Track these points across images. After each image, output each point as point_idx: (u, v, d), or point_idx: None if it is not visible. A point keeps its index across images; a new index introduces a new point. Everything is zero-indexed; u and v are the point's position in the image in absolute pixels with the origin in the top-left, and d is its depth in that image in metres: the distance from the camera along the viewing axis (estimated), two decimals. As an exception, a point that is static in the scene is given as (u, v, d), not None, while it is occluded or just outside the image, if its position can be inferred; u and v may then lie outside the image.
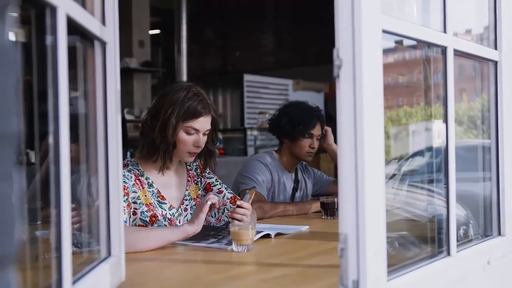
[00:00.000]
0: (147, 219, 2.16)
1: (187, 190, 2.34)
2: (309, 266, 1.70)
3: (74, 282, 1.09)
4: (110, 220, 1.37)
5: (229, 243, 1.91)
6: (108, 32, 1.36)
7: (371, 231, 1.16)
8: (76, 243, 1.28)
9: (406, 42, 1.54)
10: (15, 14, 0.58)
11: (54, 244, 1.05)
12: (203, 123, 2.20)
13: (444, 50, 1.51)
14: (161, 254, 1.86)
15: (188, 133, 2.18)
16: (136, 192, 2.13)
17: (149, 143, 2.19)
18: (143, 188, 2.18)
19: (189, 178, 2.36)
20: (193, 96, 2.17)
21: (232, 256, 1.83)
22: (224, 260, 1.78)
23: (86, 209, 1.47)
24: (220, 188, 2.38)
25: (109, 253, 1.37)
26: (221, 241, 1.99)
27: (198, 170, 2.41)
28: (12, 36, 0.56)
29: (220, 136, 7.58)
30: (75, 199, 1.15)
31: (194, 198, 2.35)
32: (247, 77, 7.94)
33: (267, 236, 2.11)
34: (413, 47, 1.69)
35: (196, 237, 2.03)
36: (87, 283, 1.16)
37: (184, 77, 8.63)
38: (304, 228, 2.34)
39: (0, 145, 0.53)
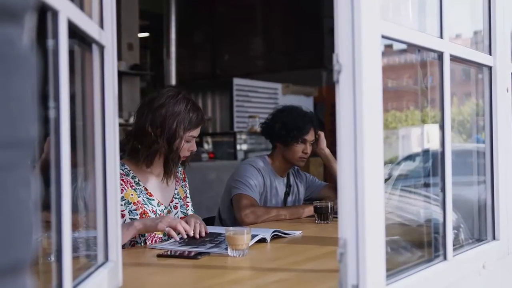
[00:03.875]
0: (137, 217, 2.21)
1: (176, 189, 2.42)
2: (306, 271, 1.70)
3: (74, 287, 1.08)
4: (108, 225, 1.36)
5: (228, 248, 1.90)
6: (106, 36, 1.36)
7: (371, 235, 1.17)
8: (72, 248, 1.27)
9: (396, 47, 1.54)
10: (34, 19, 0.58)
11: (52, 249, 1.04)
12: (199, 130, 2.35)
13: (440, 55, 1.52)
14: (157, 259, 1.85)
15: (187, 141, 2.30)
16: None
17: (153, 152, 2.26)
18: (128, 188, 2.23)
19: (177, 179, 2.45)
20: (193, 107, 2.31)
21: (227, 261, 1.82)
22: (220, 265, 1.78)
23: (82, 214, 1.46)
24: (189, 202, 2.50)
25: (106, 258, 1.36)
26: (220, 246, 1.99)
27: (182, 176, 2.52)
28: (30, 41, 0.55)
29: (210, 140, 7.57)
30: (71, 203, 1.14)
31: (183, 198, 2.45)
32: (236, 81, 7.93)
33: (263, 240, 2.11)
34: (403, 51, 1.69)
35: (194, 243, 2.03)
36: (85, 288, 1.15)
37: (173, 81, 8.61)
38: (298, 233, 2.34)
39: (19, 151, 0.53)
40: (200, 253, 1.87)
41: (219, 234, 2.17)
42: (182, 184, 2.49)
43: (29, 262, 0.55)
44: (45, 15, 1.00)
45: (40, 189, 1.05)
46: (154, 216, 2.24)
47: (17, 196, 0.53)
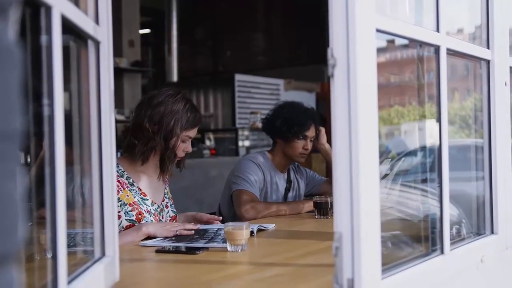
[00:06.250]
0: (133, 217, 2.23)
1: (166, 189, 2.47)
2: (304, 266, 1.70)
3: (69, 282, 1.09)
4: (104, 220, 1.37)
5: (225, 241, 1.91)
6: (102, 31, 1.36)
7: (366, 229, 1.17)
8: (69, 244, 1.28)
9: (398, 42, 1.54)
10: (18, 13, 0.58)
11: (48, 245, 1.04)
12: (196, 131, 2.38)
13: (437, 49, 1.51)
14: (155, 254, 1.86)
15: (183, 141, 2.32)
16: None
17: (150, 149, 2.28)
18: (124, 188, 2.25)
19: (166, 180, 2.49)
20: (191, 107, 2.33)
21: (226, 256, 1.82)
22: (218, 260, 1.78)
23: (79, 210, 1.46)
24: (170, 202, 2.51)
25: (103, 253, 1.36)
26: (215, 240, 1.99)
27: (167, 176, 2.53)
28: (14, 35, 0.56)
29: (211, 136, 7.57)
30: (67, 200, 1.15)
31: (170, 198, 2.49)
32: (238, 77, 7.92)
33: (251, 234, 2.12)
34: (405, 46, 1.69)
35: (183, 239, 2.02)
36: (81, 283, 1.15)
37: (175, 78, 8.62)
38: (271, 227, 2.35)
39: (4, 144, 0.53)
40: (198, 248, 1.87)
41: (207, 230, 2.20)
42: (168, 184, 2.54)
43: (15, 255, 0.55)
44: (39, 10, 1.00)
45: (40, 186, 1.06)
46: (149, 216, 2.27)
47: (3, 188, 0.53)
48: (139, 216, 2.24)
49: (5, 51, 0.53)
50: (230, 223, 1.96)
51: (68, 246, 1.11)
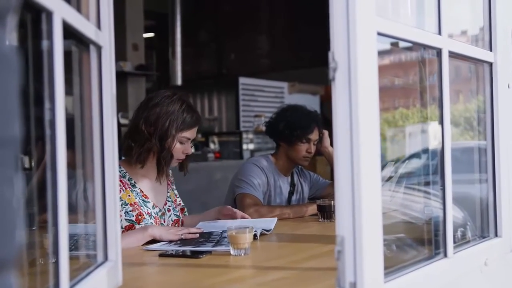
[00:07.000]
0: (133, 218, 2.24)
1: (168, 192, 2.46)
2: (307, 269, 1.70)
3: (71, 287, 1.09)
4: (107, 224, 1.37)
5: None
6: (104, 36, 1.36)
7: (368, 233, 1.16)
8: (71, 247, 1.28)
9: (402, 44, 1.54)
10: (15, 19, 0.58)
11: (50, 249, 1.04)
12: (194, 132, 2.37)
13: (439, 52, 1.51)
14: (158, 258, 1.85)
15: (181, 143, 2.32)
16: None
17: (146, 151, 2.28)
18: (126, 189, 2.26)
19: (169, 182, 2.49)
20: (187, 108, 2.32)
21: (229, 259, 1.82)
22: (222, 263, 1.78)
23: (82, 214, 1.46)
24: (179, 200, 2.54)
25: (106, 258, 1.36)
26: (222, 244, 1.98)
27: (172, 178, 2.55)
28: (12, 41, 0.56)
29: (216, 139, 7.58)
30: (71, 204, 1.15)
31: (174, 201, 2.48)
32: (242, 80, 7.93)
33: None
34: (409, 49, 1.69)
35: (189, 243, 2.02)
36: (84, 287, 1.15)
37: (179, 81, 8.62)
38: (274, 222, 2.36)
39: (2, 150, 0.53)
40: (202, 252, 1.87)
41: (211, 233, 2.19)
42: (173, 187, 2.53)
43: (13, 261, 0.55)
44: (40, 15, 1.01)
45: (43, 191, 1.06)
46: (149, 218, 2.27)
47: (1, 194, 0.53)
48: (139, 217, 2.24)
49: (3, 57, 0.54)
50: (233, 227, 1.96)
51: (70, 249, 1.11)
